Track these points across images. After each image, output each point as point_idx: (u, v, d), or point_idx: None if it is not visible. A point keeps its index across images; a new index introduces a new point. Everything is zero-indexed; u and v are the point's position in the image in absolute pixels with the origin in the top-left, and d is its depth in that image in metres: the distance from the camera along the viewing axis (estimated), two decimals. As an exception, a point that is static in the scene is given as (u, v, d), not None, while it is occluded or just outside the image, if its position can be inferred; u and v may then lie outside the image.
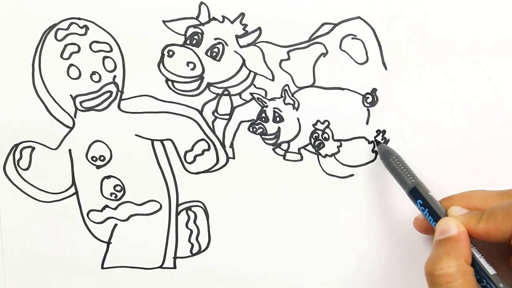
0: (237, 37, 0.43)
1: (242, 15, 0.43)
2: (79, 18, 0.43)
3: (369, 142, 0.44)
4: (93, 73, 0.44)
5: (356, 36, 0.43)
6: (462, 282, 0.34)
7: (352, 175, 0.44)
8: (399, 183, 0.41)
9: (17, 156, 0.45)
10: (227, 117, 0.44)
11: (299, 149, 0.44)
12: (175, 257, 0.46)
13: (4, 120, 0.44)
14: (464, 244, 0.36)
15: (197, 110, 0.44)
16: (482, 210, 0.37)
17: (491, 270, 0.36)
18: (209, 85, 0.44)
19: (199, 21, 0.43)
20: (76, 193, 0.45)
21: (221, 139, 0.44)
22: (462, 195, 0.40)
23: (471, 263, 0.36)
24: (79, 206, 0.45)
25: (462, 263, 0.35)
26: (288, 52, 0.43)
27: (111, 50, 0.43)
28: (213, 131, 0.44)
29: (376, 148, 0.43)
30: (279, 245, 0.46)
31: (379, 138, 0.44)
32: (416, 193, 0.40)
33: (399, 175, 0.41)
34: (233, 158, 0.45)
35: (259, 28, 0.43)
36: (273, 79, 0.43)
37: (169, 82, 0.44)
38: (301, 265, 0.46)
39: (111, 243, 0.46)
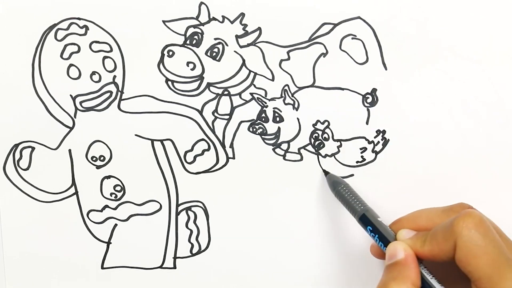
0: (237, 37, 0.43)
1: (242, 15, 0.43)
2: (79, 18, 0.43)
3: (369, 142, 0.44)
4: (93, 73, 0.44)
5: (356, 36, 0.43)
6: None
7: (352, 175, 0.44)
8: (349, 211, 0.41)
9: (17, 156, 0.45)
10: (227, 117, 0.44)
11: (299, 149, 0.44)
12: (175, 257, 0.46)
13: (4, 120, 0.44)
14: (411, 267, 0.36)
15: (197, 110, 0.44)
16: (428, 230, 0.37)
17: None
18: (209, 85, 0.44)
19: (199, 21, 0.43)
20: (76, 193, 0.45)
21: (221, 139, 0.44)
22: (408, 217, 0.40)
23: (422, 285, 0.35)
24: (79, 206, 0.45)
25: (408, 286, 0.34)
26: (288, 52, 0.43)
27: (111, 50, 0.43)
28: (213, 131, 0.44)
29: (324, 175, 0.44)
30: (279, 245, 0.46)
31: (379, 138, 0.44)
32: (366, 219, 0.40)
33: (348, 203, 0.41)
34: (233, 158, 0.45)
35: (259, 28, 0.43)
36: (273, 79, 0.43)
37: (169, 82, 0.44)
38: (301, 265, 0.46)
39: (111, 243, 0.46)
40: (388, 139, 0.44)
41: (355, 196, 0.42)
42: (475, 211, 0.35)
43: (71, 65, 0.43)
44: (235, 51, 0.43)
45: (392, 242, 0.38)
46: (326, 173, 0.44)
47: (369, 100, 0.44)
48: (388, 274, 0.36)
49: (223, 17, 0.43)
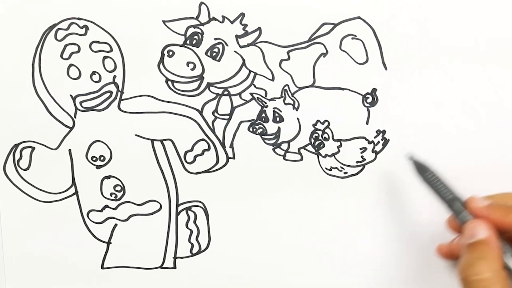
0: (237, 37, 0.43)
1: (242, 15, 0.43)
2: (79, 18, 0.43)
3: (369, 142, 0.44)
4: (93, 73, 0.44)
5: (356, 36, 0.43)
6: (499, 287, 0.34)
7: (352, 175, 0.44)
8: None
9: (17, 156, 0.45)
10: (227, 117, 0.44)
11: (299, 149, 0.44)
12: (175, 257, 0.46)
13: (4, 120, 0.44)
14: (495, 247, 0.36)
15: (197, 110, 0.44)
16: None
17: None
18: (209, 85, 0.44)
19: (199, 21, 0.43)
20: (76, 193, 0.45)
21: (221, 139, 0.44)
22: (497, 197, 0.40)
23: (503, 265, 0.35)
24: (79, 206, 0.45)
25: (496, 268, 0.34)
26: (288, 52, 0.43)
27: (111, 50, 0.43)
28: (213, 131, 0.44)
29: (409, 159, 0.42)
30: (279, 245, 0.46)
31: (379, 138, 0.44)
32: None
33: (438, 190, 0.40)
34: (233, 158, 0.45)
35: (259, 28, 0.43)
36: (273, 79, 0.43)
37: (169, 82, 0.44)
38: (301, 265, 0.46)
39: (111, 243, 0.46)
40: (388, 139, 0.44)
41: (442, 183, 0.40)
42: None
43: (71, 65, 0.43)
44: (235, 51, 0.43)
45: (472, 220, 0.37)
46: (411, 158, 0.42)
47: (369, 100, 0.44)
48: (472, 253, 0.36)
49: (223, 17, 0.43)
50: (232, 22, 0.43)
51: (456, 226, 0.40)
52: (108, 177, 0.45)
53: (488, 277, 0.34)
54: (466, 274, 0.35)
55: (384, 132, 0.44)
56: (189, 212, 0.45)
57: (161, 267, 0.46)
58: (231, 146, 0.44)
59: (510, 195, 0.40)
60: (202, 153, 0.45)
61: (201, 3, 0.42)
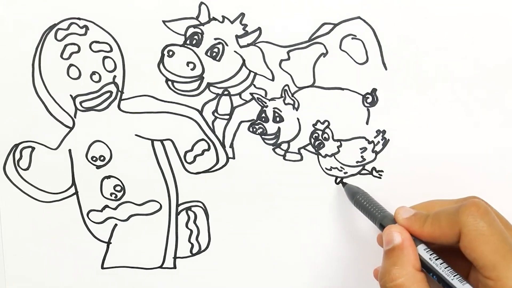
0: (237, 37, 0.43)
1: (242, 15, 0.43)
2: (79, 18, 0.43)
3: (369, 142, 0.44)
4: (93, 73, 0.44)
5: (356, 36, 0.43)
6: None
7: (352, 175, 0.44)
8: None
9: (17, 156, 0.45)
10: (227, 117, 0.44)
11: (299, 149, 0.44)
12: (175, 257, 0.46)
13: (4, 120, 0.44)
14: (409, 251, 0.36)
15: (197, 110, 0.44)
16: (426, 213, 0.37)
17: (442, 267, 0.35)
18: (209, 85, 0.44)
19: (199, 21, 0.43)
20: (76, 193, 0.45)
21: (221, 139, 0.44)
22: (422, 205, 0.40)
23: (421, 266, 0.36)
24: (79, 206, 0.45)
25: (410, 271, 0.35)
26: (288, 52, 0.43)
27: (111, 50, 0.43)
28: (213, 131, 0.44)
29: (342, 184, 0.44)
30: (278, 245, 0.46)
31: (379, 138, 0.44)
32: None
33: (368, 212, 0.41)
34: (233, 158, 0.45)
35: (259, 28, 0.43)
36: (273, 79, 0.43)
37: (169, 82, 0.44)
38: (301, 265, 0.46)
39: (111, 243, 0.46)
40: (388, 139, 0.44)
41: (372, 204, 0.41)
42: (481, 201, 0.36)
43: (71, 65, 0.43)
44: (235, 51, 0.43)
45: (387, 226, 0.38)
46: (343, 184, 0.44)
47: (369, 100, 0.44)
48: (387, 260, 0.36)
49: (223, 17, 0.43)
50: (232, 22, 0.43)
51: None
52: (108, 177, 0.45)
53: (402, 282, 0.34)
54: (382, 281, 0.35)
55: (384, 132, 0.44)
56: (189, 212, 0.45)
57: (161, 267, 0.46)
58: (231, 146, 0.44)
59: (433, 203, 0.40)
60: (202, 153, 0.45)
61: (201, 3, 0.42)
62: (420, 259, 0.36)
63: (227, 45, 0.43)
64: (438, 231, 0.36)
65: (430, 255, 0.36)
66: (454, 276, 0.34)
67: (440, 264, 0.35)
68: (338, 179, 0.44)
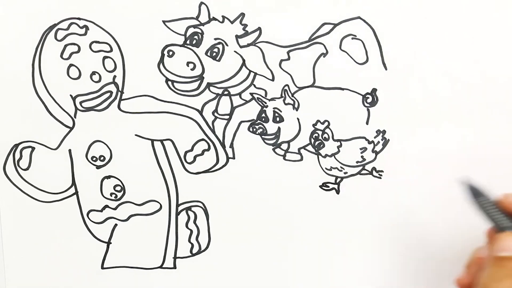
0: (237, 37, 0.43)
1: (242, 15, 0.43)
2: (79, 18, 0.43)
3: (369, 142, 0.44)
4: (93, 73, 0.44)
5: (356, 36, 0.43)
6: None
7: (352, 175, 0.44)
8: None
9: (17, 156, 0.45)
10: (227, 117, 0.44)
11: (299, 149, 0.44)
12: (175, 257, 0.46)
13: (4, 120, 0.44)
14: None
15: (197, 110, 0.44)
16: None
17: None
18: (209, 85, 0.44)
19: (199, 21, 0.43)
20: (76, 193, 0.45)
21: (221, 139, 0.44)
22: None
23: None
24: (79, 206, 0.45)
25: None
26: (288, 52, 0.43)
27: (111, 50, 0.43)
28: (213, 131, 0.44)
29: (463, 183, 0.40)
30: (278, 245, 0.46)
31: (379, 138, 0.44)
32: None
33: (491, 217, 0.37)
34: (233, 158, 0.45)
35: (259, 28, 0.43)
36: (273, 79, 0.43)
37: (169, 82, 0.44)
38: (301, 265, 0.46)
39: (111, 243, 0.46)
40: (388, 139, 0.44)
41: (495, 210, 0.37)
42: None
43: (71, 65, 0.43)
44: (235, 51, 0.43)
45: (506, 233, 0.34)
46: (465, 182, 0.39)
47: (369, 100, 0.44)
48: (500, 268, 0.33)
49: (223, 17, 0.43)
50: (232, 22, 0.43)
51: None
52: (108, 177, 0.45)
53: None
54: (489, 285, 0.32)
55: (384, 132, 0.44)
56: (189, 212, 0.45)
57: (161, 267, 0.46)
58: (231, 146, 0.44)
59: None
60: (202, 153, 0.45)
61: (201, 3, 0.42)
62: None
63: (227, 45, 0.43)
64: None
65: None
66: None
67: None
68: (338, 179, 0.44)
